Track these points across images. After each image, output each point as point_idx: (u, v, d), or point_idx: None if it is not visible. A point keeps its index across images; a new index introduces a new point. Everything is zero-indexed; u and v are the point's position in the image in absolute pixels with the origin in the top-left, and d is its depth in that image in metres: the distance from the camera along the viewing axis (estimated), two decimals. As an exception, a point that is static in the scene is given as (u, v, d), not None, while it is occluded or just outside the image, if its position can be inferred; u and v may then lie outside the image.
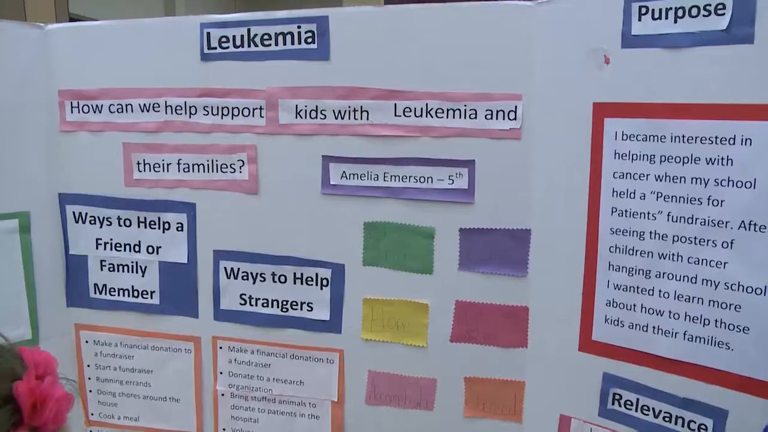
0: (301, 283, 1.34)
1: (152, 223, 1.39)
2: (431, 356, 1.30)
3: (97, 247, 1.43)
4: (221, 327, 1.40)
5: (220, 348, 1.41)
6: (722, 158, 0.99)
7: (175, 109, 1.33)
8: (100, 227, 1.41)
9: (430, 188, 1.24)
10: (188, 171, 1.36)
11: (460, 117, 1.21)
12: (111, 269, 1.43)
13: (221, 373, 1.42)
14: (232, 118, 1.31)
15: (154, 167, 1.37)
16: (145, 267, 1.41)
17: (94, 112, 1.37)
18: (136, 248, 1.41)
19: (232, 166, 1.33)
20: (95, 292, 1.45)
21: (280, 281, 1.36)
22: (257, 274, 1.36)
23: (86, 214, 1.42)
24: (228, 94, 1.30)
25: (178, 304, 1.41)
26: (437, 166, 1.23)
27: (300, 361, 1.37)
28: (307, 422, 1.40)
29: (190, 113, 1.33)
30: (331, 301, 1.33)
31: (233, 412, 1.43)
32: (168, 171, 1.37)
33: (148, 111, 1.34)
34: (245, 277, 1.37)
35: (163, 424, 1.47)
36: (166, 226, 1.39)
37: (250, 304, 1.38)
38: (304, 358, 1.37)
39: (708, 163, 1.00)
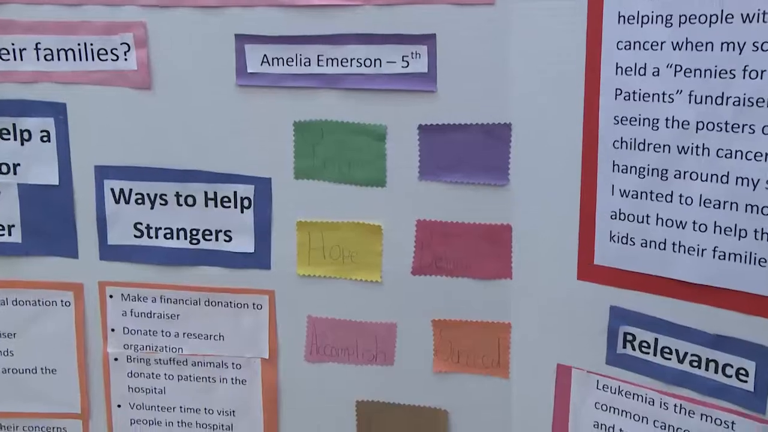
0: (215, 206, 1.24)
1: (4, 132, 1.25)
2: (388, 294, 1.22)
3: (-75, 170, 1.27)
4: (110, 268, 1.28)
5: (111, 297, 1.29)
6: (764, 13, 0.87)
7: (25, -29, 1.17)
8: (-73, 142, 1.26)
9: (379, 74, 1.14)
10: (52, 59, 1.21)
11: (415, -24, 1.10)
12: (-53, 198, 1.28)
13: (113, 330, 1.30)
14: (110, -15, 1.16)
15: (0, 55, 1.22)
16: (-1, 193, 1.28)
17: None
18: (-16, 168, 1.27)
19: (114, 51, 1.19)
20: (-75, 233, 1.30)
21: (187, 204, 1.24)
22: (156, 195, 1.24)
23: None
24: (100, -50, 1.15)
25: (48, 241, 1.28)
26: (387, 43, 1.13)
27: (218, 309, 1.27)
28: (230, 388, 1.29)
29: (49, -23, 1.17)
30: (255, 227, 1.23)
31: (131, 381, 1.32)
32: (22, 59, 1.22)
33: None
34: (140, 201, 1.25)
35: (34, 406, 1.35)
36: (26, 135, 1.24)
37: (149, 236, 1.26)
38: (224, 305, 1.27)
39: (744, 21, 0.89)
